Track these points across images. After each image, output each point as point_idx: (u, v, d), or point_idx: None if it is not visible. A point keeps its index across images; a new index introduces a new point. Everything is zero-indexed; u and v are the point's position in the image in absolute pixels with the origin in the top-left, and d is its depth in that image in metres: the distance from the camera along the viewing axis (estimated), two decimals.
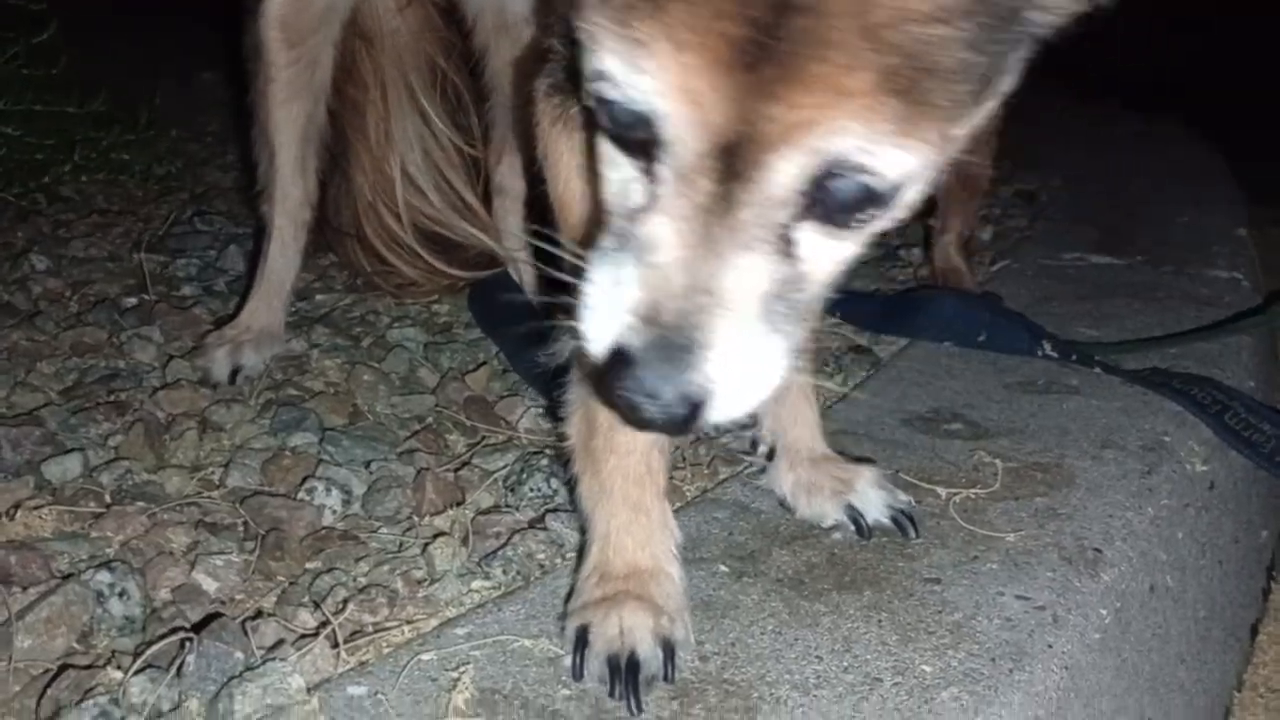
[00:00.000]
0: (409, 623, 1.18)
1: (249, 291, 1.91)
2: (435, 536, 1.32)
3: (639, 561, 1.12)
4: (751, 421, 1.41)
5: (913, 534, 1.31)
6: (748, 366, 0.80)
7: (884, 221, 0.83)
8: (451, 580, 1.26)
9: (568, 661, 1.07)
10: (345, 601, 1.20)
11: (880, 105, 0.73)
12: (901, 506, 1.33)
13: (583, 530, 1.20)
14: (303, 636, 1.15)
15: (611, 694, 1.03)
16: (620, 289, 0.80)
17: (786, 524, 1.36)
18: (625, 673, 1.03)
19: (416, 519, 1.39)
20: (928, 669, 1.09)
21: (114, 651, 1.15)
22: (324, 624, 1.16)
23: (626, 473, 1.14)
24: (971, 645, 1.13)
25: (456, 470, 1.51)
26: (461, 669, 1.07)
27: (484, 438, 1.63)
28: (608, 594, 1.10)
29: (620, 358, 0.79)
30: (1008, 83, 0.84)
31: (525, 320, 1.79)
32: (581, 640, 1.07)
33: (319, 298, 2.13)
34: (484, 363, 1.83)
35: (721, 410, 0.80)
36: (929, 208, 2.20)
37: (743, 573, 1.25)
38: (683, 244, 0.78)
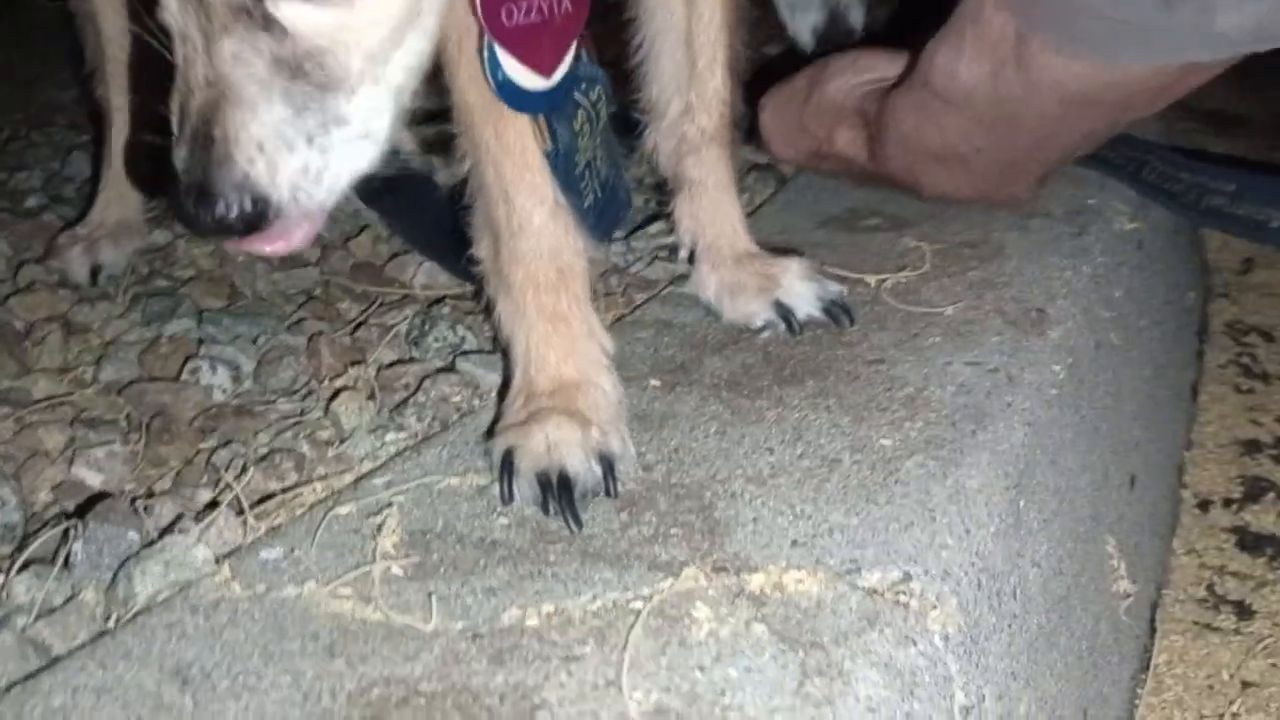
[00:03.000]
0: (322, 480, 1.07)
1: (98, 188, 1.74)
2: (337, 394, 1.21)
3: (563, 374, 1.02)
4: (669, 225, 1.31)
5: (847, 322, 1.23)
6: (286, 150, 0.78)
7: None
8: (362, 436, 1.15)
9: (496, 487, 0.98)
10: (246, 468, 1.09)
11: None
12: (833, 297, 1.25)
13: (504, 365, 1.10)
14: (205, 510, 1.04)
15: (545, 512, 0.94)
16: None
17: (714, 332, 1.26)
18: (558, 490, 0.94)
19: (316, 384, 1.28)
20: (886, 443, 1.01)
21: None
22: (226, 493, 1.04)
23: (537, 281, 1.03)
24: (928, 414, 1.05)
25: (353, 332, 1.39)
26: (384, 513, 0.96)
27: (378, 299, 1.50)
28: (532, 413, 1.00)
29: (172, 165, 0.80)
30: None
31: (405, 181, 1.68)
32: (508, 464, 0.97)
33: None
34: (366, 226, 1.70)
35: (291, 199, 0.79)
36: None
37: (675, 384, 1.16)
38: (184, 33, 0.77)
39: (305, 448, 1.14)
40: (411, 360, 1.30)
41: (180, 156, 0.78)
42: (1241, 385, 1.79)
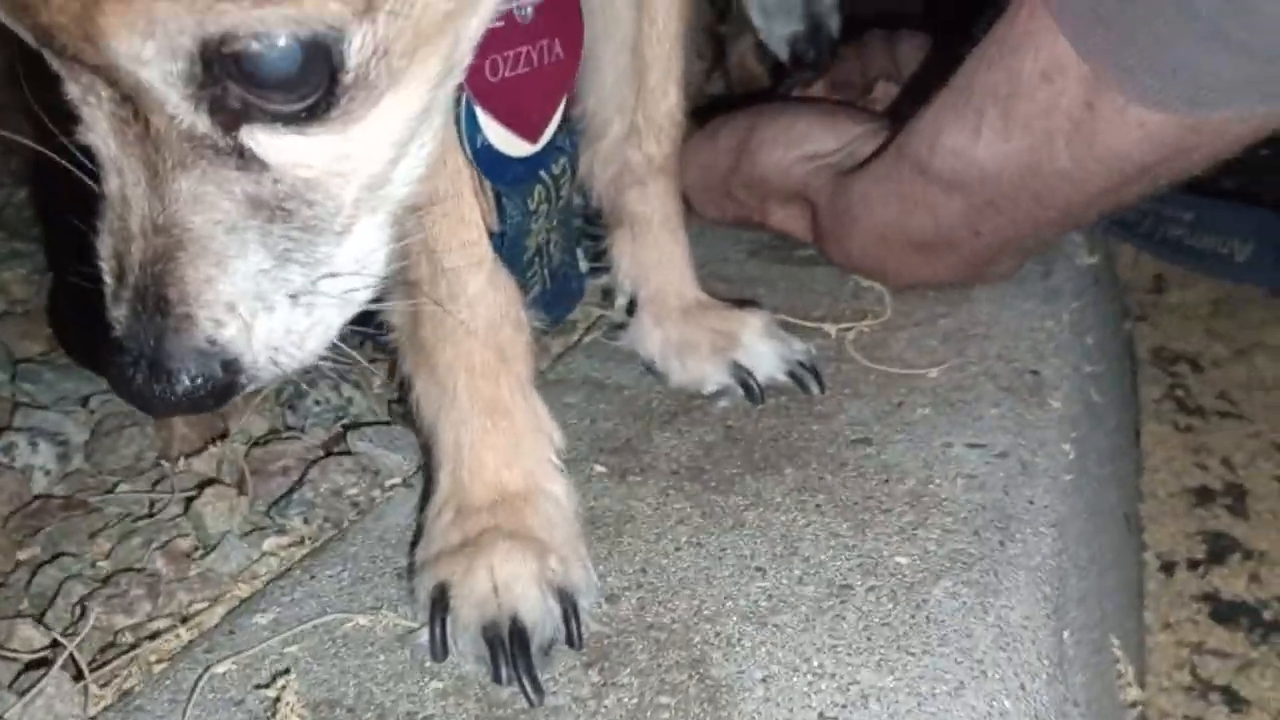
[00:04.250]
0: (184, 619, 0.83)
1: None
2: (200, 486, 0.96)
3: (506, 482, 0.81)
4: (605, 267, 1.10)
5: (816, 388, 1.05)
6: (264, 311, 0.61)
7: (364, 91, 0.58)
8: (234, 544, 0.91)
9: (424, 636, 0.76)
10: (83, 603, 0.84)
11: None
12: (799, 357, 1.06)
13: (419, 428, 0.88)
14: (29, 667, 0.79)
15: (497, 677, 0.73)
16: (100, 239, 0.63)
17: (659, 397, 1.06)
18: (510, 645, 0.73)
19: (167, 465, 1.02)
20: (902, 561, 0.83)
21: None
22: (56, 644, 0.80)
23: (471, 364, 0.81)
24: (942, 518, 0.87)
25: None
26: (280, 680, 0.73)
27: None
28: (469, 535, 0.78)
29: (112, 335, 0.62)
30: None
31: None
32: (440, 606, 0.75)
33: None
34: None
35: (269, 363, 0.63)
36: (720, 14, 1.91)
37: (625, 470, 0.96)
38: (119, 165, 0.59)
39: (160, 563, 0.89)
40: (289, 434, 1.06)
41: (120, 318, 0.60)
42: (1180, 422, 1.68)
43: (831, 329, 1.16)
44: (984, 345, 1.12)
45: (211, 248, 0.59)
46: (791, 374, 1.05)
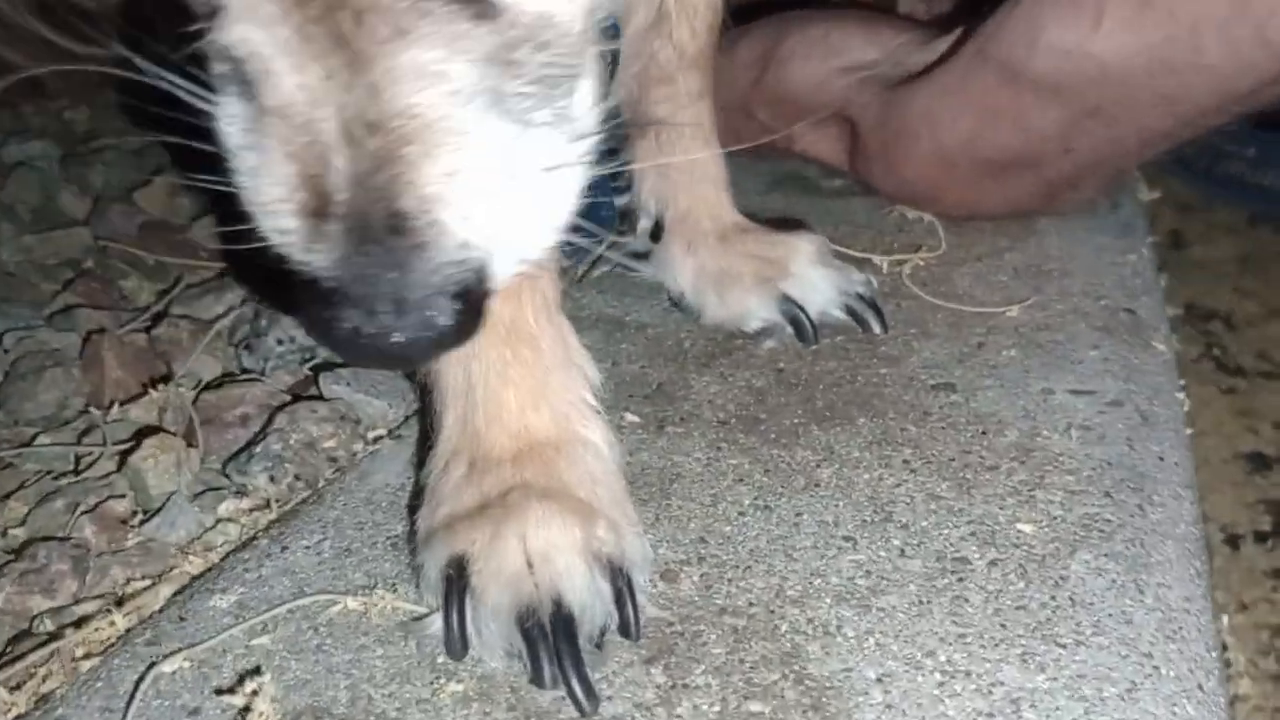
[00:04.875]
0: (120, 601, 0.65)
1: None
2: (138, 436, 0.78)
3: (533, 428, 0.63)
4: (624, 186, 0.93)
5: (878, 327, 0.89)
6: (516, 193, 0.47)
7: None
8: (182, 508, 0.73)
9: (436, 624, 0.59)
10: None
11: None
12: (859, 289, 0.90)
13: (417, 389, 0.70)
14: None
15: (538, 678, 0.56)
16: (258, 166, 0.47)
17: (690, 337, 0.90)
18: (553, 636, 0.56)
19: (97, 413, 0.84)
20: (1026, 529, 0.67)
21: None
22: None
23: None
24: (1062, 476, 0.71)
25: (149, 327, 0.95)
26: (248, 682, 0.56)
27: (180, 278, 1.06)
28: (489, 495, 0.61)
29: (316, 286, 0.46)
30: None
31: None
32: (457, 586, 0.58)
33: None
34: (159, 171, 1.25)
35: (517, 261, 0.48)
36: None
37: (663, 420, 0.79)
38: (297, 67, 0.44)
39: (88, 530, 0.71)
40: (246, 377, 0.88)
41: (331, 259, 0.45)
42: (1222, 384, 1.55)
43: (882, 261, 0.99)
44: (1064, 282, 0.96)
45: (448, 131, 0.44)
46: (850, 309, 0.89)
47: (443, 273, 0.45)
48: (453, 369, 0.64)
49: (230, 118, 0.47)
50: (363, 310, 0.45)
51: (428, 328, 0.45)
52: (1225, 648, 0.93)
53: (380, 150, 0.44)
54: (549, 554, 0.57)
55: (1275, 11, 0.75)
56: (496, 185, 0.46)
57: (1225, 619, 1.14)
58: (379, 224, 0.44)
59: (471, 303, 0.46)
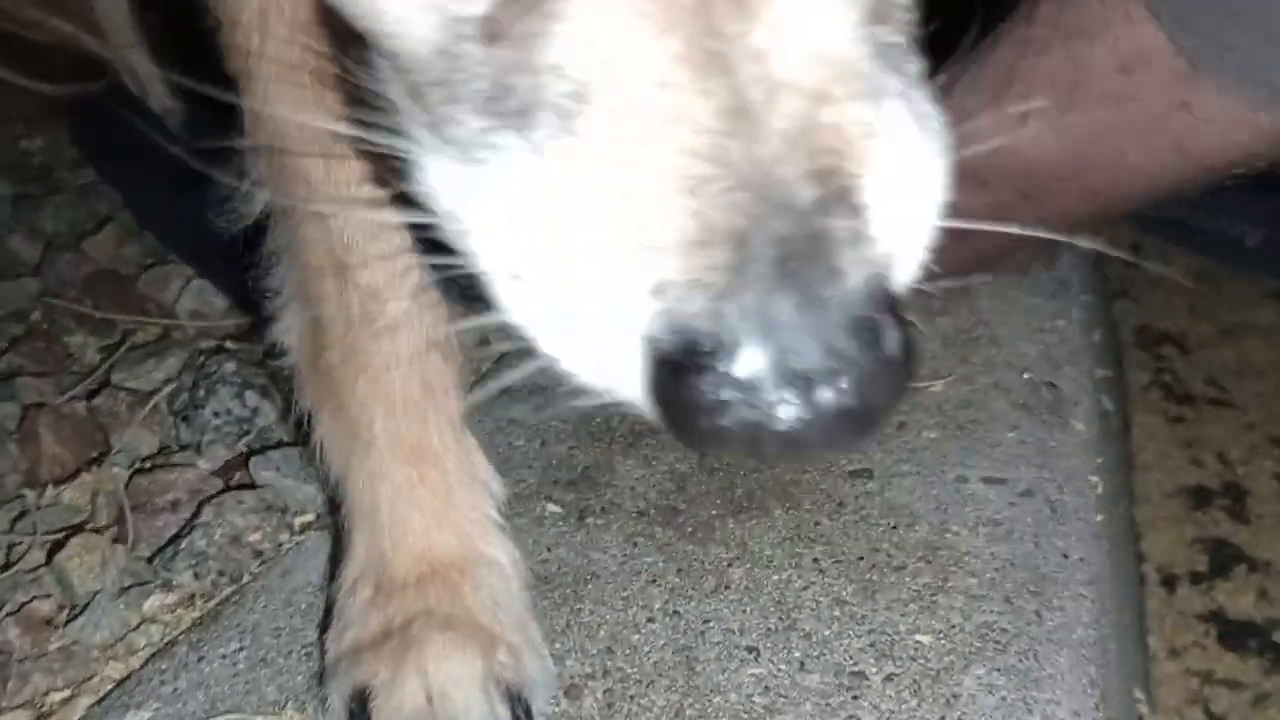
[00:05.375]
0: (41, 716, 0.67)
1: None
2: (69, 531, 0.79)
3: (436, 549, 0.65)
4: None
5: None
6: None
7: None
8: (106, 606, 0.74)
9: None
10: None
11: None
12: None
13: (325, 477, 0.71)
14: None
15: None
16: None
17: (619, 413, 0.91)
18: None
19: (30, 495, 0.85)
20: (924, 640, 0.69)
21: None
22: None
23: (391, 400, 0.65)
24: (965, 579, 0.73)
25: (90, 396, 0.96)
26: None
27: (126, 335, 1.07)
28: (393, 623, 0.62)
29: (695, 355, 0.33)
30: None
31: (158, 153, 1.25)
32: (360, 718, 0.60)
33: None
34: (108, 218, 1.25)
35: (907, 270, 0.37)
36: None
37: (583, 509, 0.80)
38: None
39: (12, 633, 0.73)
40: (180, 457, 0.89)
41: (766, 308, 0.33)
42: (1170, 412, 1.56)
43: None
44: (990, 352, 0.98)
45: (871, 90, 0.35)
46: None
47: (883, 299, 0.34)
48: (361, 489, 0.66)
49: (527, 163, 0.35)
50: (802, 383, 0.33)
51: (893, 380, 0.34)
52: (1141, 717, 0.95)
53: (810, 123, 0.33)
54: (448, 689, 0.59)
55: (1192, 130, 0.76)
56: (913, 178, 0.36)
57: (1150, 673, 1.16)
58: (823, 236, 0.33)
59: (899, 353, 0.34)
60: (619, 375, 0.36)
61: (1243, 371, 1.67)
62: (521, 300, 0.37)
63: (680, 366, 0.33)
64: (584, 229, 0.34)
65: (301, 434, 0.91)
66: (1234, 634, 1.22)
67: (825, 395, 0.33)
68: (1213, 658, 1.19)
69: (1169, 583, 1.29)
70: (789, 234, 0.32)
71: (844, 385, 0.33)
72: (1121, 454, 1.39)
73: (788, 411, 0.33)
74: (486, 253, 0.37)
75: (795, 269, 0.32)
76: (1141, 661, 1.14)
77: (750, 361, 0.33)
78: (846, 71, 0.34)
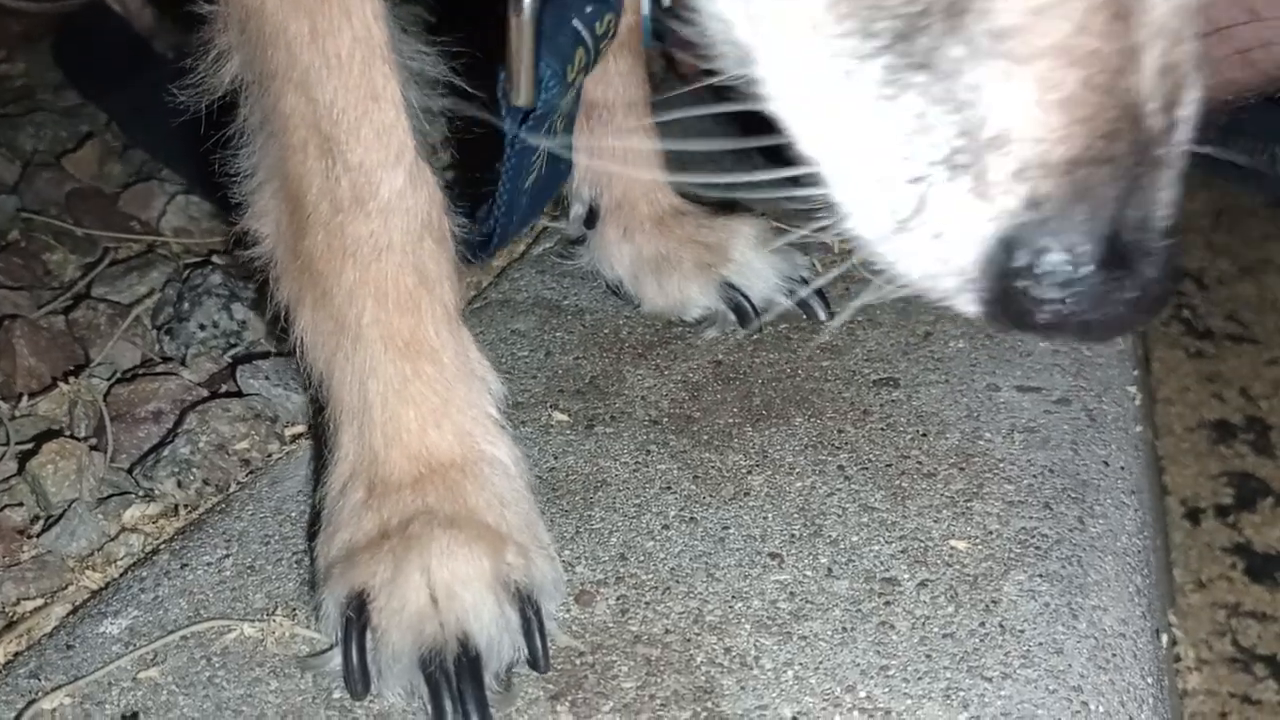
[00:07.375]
0: (10, 624, 0.62)
1: None
2: (42, 438, 0.75)
3: (434, 448, 0.60)
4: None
5: (823, 315, 0.85)
6: None
7: None
8: (83, 516, 0.69)
9: (335, 661, 0.56)
10: None
11: None
12: (803, 274, 0.86)
13: (311, 388, 0.66)
14: None
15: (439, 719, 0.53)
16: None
17: (629, 325, 0.86)
18: (458, 681, 0.53)
19: (4, 406, 0.80)
20: (959, 545, 0.64)
21: None
22: None
23: (382, 289, 0.60)
24: (1001, 484, 0.69)
25: (68, 310, 0.91)
26: (133, 713, 0.53)
27: (107, 251, 1.02)
28: (390, 523, 0.58)
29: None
30: None
31: (144, 70, 1.19)
32: (357, 623, 0.55)
33: None
34: (89, 135, 1.20)
35: None
36: None
37: (592, 418, 0.76)
38: None
39: None
40: (163, 369, 0.84)
41: (1118, 222, 0.42)
42: (1190, 347, 1.52)
43: (833, 239, 0.96)
44: None
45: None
46: (794, 295, 0.85)
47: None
48: (349, 385, 0.61)
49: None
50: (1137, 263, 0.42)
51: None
52: (1174, 642, 0.91)
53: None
54: (454, 589, 0.54)
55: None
56: None
57: (1176, 605, 1.12)
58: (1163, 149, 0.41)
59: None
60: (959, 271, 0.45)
61: (1263, 306, 1.63)
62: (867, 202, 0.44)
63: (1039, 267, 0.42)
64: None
65: (289, 340, 0.87)
66: (1259, 566, 1.18)
67: (1148, 290, 0.43)
68: (1240, 590, 1.15)
69: (1193, 515, 1.25)
70: (1144, 159, 0.40)
71: (1157, 276, 0.43)
72: (1143, 384, 1.35)
73: (1116, 301, 0.42)
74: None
75: (1142, 190, 0.41)
76: (1169, 592, 1.10)
77: (1100, 264, 0.41)
78: (1192, 14, 0.41)
